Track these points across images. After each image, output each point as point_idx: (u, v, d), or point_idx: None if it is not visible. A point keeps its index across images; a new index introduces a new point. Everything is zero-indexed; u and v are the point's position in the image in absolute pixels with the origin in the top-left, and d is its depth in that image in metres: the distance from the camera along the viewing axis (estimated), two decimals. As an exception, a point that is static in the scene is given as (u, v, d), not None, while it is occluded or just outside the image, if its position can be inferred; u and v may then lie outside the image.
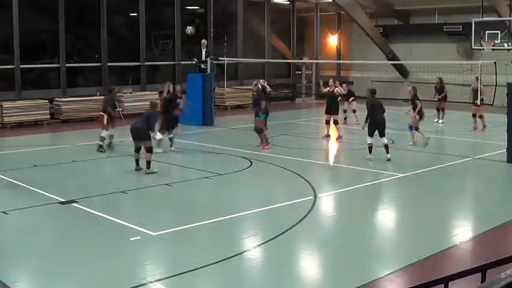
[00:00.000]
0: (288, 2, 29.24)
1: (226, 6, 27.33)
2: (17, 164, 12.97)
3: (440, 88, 20.08)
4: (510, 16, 21.43)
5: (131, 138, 12.25)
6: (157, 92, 21.69)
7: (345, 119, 19.83)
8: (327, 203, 10.25)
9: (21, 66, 20.53)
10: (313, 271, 7.18)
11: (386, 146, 13.31)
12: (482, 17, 21.64)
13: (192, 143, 16.04)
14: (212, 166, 12.74)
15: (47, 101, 20.52)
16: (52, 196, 9.96)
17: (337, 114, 16.99)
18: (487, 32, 21.86)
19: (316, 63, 29.74)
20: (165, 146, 14.25)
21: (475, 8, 22.20)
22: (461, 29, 25.50)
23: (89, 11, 23.06)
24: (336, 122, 16.76)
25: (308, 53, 31.23)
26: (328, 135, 16.75)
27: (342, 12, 29.30)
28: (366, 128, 13.48)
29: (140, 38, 23.61)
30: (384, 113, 13.47)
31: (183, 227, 8.39)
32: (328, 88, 16.77)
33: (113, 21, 23.39)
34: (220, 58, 21.31)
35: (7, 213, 8.97)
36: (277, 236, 7.90)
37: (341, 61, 30.21)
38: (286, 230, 8.16)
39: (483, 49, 20.91)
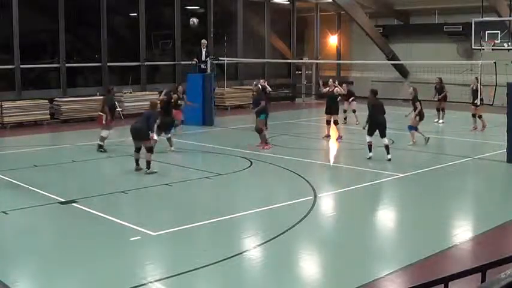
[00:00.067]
0: (288, 2, 29.24)
1: (226, 6, 27.33)
2: (17, 164, 12.97)
3: (440, 88, 20.08)
4: (510, 16, 21.44)
5: (131, 138, 12.26)
6: (157, 92, 21.68)
7: (345, 119, 19.83)
8: (327, 203, 10.25)
9: (21, 66, 20.53)
10: (313, 271, 7.18)
11: (386, 147, 13.32)
12: (482, 17, 21.64)
13: (192, 143, 16.04)
14: (212, 166, 12.74)
15: (47, 101, 20.52)
16: (52, 196, 9.96)
17: (337, 114, 16.99)
18: (487, 32, 21.86)
19: (316, 63, 29.74)
20: (165, 146, 14.24)
21: (475, 8, 22.20)
22: (461, 29, 25.50)
23: (89, 11, 23.06)
24: (336, 122, 16.76)
25: (308, 53, 31.23)
26: (328, 136, 16.75)
27: (342, 12, 29.31)
28: (367, 128, 13.50)
29: (140, 38, 23.61)
30: (384, 114, 13.47)
31: (183, 227, 8.39)
32: (328, 88, 16.77)
33: (113, 21, 23.38)
34: (220, 58, 21.31)
35: (7, 213, 8.97)
36: (277, 236, 7.90)
37: (341, 61, 30.21)
38: (286, 230, 8.16)
39: (483, 49, 20.92)
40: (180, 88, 16.68)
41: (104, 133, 14.29)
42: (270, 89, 18.44)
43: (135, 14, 23.74)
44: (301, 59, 30.04)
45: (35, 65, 21.78)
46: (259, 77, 23.45)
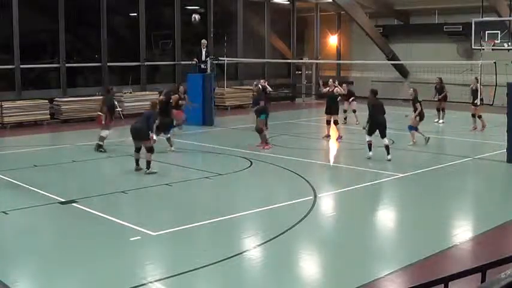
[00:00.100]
0: (288, 2, 29.23)
1: (226, 6, 27.33)
2: (17, 164, 12.97)
3: (440, 88, 20.08)
4: (510, 16, 21.44)
5: (131, 138, 12.26)
6: (157, 92, 21.70)
7: (345, 119, 19.83)
8: (327, 203, 10.25)
9: (21, 66, 20.53)
10: (313, 271, 7.18)
11: (387, 147, 13.32)
12: (482, 17, 21.64)
13: (192, 143, 16.04)
14: (212, 166, 12.74)
15: (47, 101, 20.52)
16: (52, 196, 9.96)
17: (337, 114, 16.99)
18: (487, 32, 21.87)
19: (316, 63, 29.74)
20: (165, 146, 14.25)
21: (475, 8, 22.20)
22: (461, 29, 25.50)
23: (89, 11, 23.06)
24: (336, 122, 16.76)
25: (308, 53, 31.23)
26: (328, 136, 16.75)
27: (342, 12, 29.31)
28: (367, 128, 13.52)
29: (140, 38, 23.61)
30: (384, 114, 13.48)
31: (183, 227, 8.39)
32: (328, 88, 16.77)
33: (113, 21, 23.38)
34: (220, 58, 21.31)
35: (7, 213, 8.97)
36: (277, 236, 7.90)
37: (341, 61, 30.21)
38: (286, 230, 8.16)
39: (483, 49, 20.92)
40: (181, 88, 16.69)
41: (104, 133, 14.29)
42: (271, 89, 18.45)
43: (135, 14, 23.74)
44: (301, 59, 30.04)
45: (35, 65, 21.78)
46: (259, 77, 23.45)
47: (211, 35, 24.33)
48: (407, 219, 9.36)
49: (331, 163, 14.29)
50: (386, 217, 9.61)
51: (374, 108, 13.43)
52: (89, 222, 8.77)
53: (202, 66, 20.40)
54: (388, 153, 13.26)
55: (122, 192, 10.44)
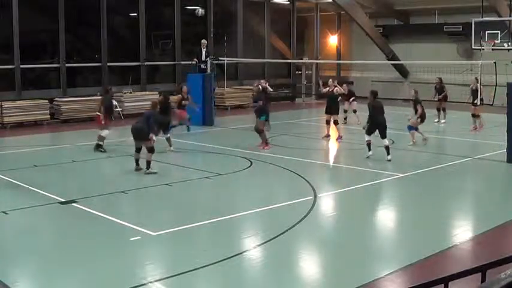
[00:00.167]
0: (288, 2, 29.23)
1: (226, 6, 27.34)
2: (17, 164, 12.97)
3: (440, 88, 20.08)
4: (510, 16, 21.43)
5: (132, 138, 12.25)
6: (157, 92, 21.71)
7: (345, 119, 19.82)
8: (327, 203, 10.25)
9: (21, 66, 20.54)
10: (313, 271, 7.18)
11: (387, 148, 13.33)
12: (482, 17, 21.64)
13: (192, 143, 16.04)
14: (212, 166, 12.74)
15: (47, 101, 20.52)
16: (52, 196, 9.96)
17: (337, 114, 16.98)
18: (487, 32, 21.87)
19: (316, 63, 29.74)
20: (165, 146, 14.25)
21: (475, 8, 22.20)
22: (461, 29, 25.50)
23: (89, 11, 23.07)
24: (336, 122, 16.75)
25: (308, 53, 31.23)
26: (328, 135, 16.75)
27: (342, 12, 29.31)
28: (366, 128, 13.54)
29: (140, 38, 23.61)
30: (383, 114, 13.49)
31: (183, 227, 8.39)
32: (327, 88, 16.77)
33: (113, 21, 23.39)
34: (220, 58, 21.31)
35: (7, 213, 8.97)
36: (277, 236, 7.90)
37: (341, 61, 30.21)
38: (286, 230, 8.16)
39: (483, 49, 20.93)
40: (184, 88, 16.88)
41: (103, 133, 14.29)
42: (271, 90, 18.46)
43: (135, 14, 23.74)
44: (301, 59, 30.04)
45: (35, 65, 21.79)
46: (259, 77, 23.46)
47: (211, 35, 24.33)
48: (407, 219, 9.36)
49: (331, 163, 14.29)
50: (386, 217, 9.61)
51: (374, 109, 13.47)
52: (89, 222, 8.77)
53: (202, 66, 20.40)
54: (388, 154, 13.26)
55: (122, 192, 10.44)
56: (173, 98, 17.93)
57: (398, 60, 27.16)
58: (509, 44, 21.62)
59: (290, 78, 29.91)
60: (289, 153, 14.31)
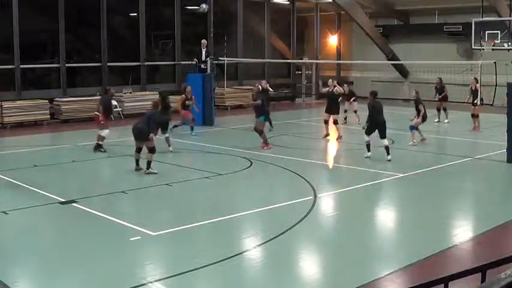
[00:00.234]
0: (288, 2, 29.23)
1: (226, 6, 27.34)
2: (17, 164, 12.97)
3: (440, 88, 20.08)
4: (510, 16, 21.43)
5: (133, 138, 12.24)
6: (157, 92, 21.70)
7: (345, 118, 19.82)
8: (327, 203, 10.25)
9: (21, 66, 20.54)
10: (313, 271, 7.18)
11: (387, 148, 13.33)
12: (482, 17, 21.64)
13: (192, 143, 16.04)
14: (212, 166, 12.73)
15: (47, 101, 20.52)
16: (52, 196, 9.96)
17: (338, 113, 16.94)
18: (487, 32, 21.86)
19: (316, 63, 29.73)
20: (165, 146, 14.24)
21: (475, 8, 22.20)
22: (461, 29, 25.49)
23: (89, 11, 23.08)
24: (335, 122, 16.74)
25: (308, 53, 31.23)
26: (327, 135, 16.74)
27: (342, 12, 29.30)
28: (366, 128, 13.57)
29: (140, 38, 23.62)
30: (382, 114, 13.51)
31: (183, 227, 8.39)
32: (327, 88, 16.77)
33: (113, 21, 23.39)
34: (220, 58, 21.32)
35: (7, 213, 8.97)
36: (277, 236, 7.90)
37: (341, 61, 30.20)
38: (286, 230, 8.16)
39: (483, 49, 20.93)
40: (188, 88, 16.96)
41: (103, 133, 14.29)
42: (271, 90, 18.47)
43: (135, 14, 23.74)
44: (301, 59, 30.04)
45: (35, 65, 21.80)
46: (259, 77, 23.48)
47: (211, 35, 24.32)
48: (407, 219, 9.36)
49: (331, 163, 14.29)
50: (386, 217, 9.61)
51: (373, 109, 13.49)
52: (89, 222, 8.77)
53: (202, 66, 20.41)
54: (388, 154, 13.27)
55: (122, 192, 10.43)
56: (176, 98, 18.02)
57: (398, 60, 27.15)
58: (509, 44, 21.62)
59: (290, 78, 29.91)
60: (289, 153, 14.31)
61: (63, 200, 9.72)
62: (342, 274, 6.87)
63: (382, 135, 13.40)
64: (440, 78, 20.21)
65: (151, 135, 11.85)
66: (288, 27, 29.63)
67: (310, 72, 30.74)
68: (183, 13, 25.02)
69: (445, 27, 26.40)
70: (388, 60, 26.96)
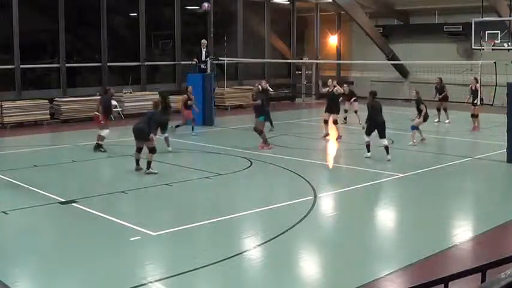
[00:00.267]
0: (288, 2, 29.23)
1: (226, 6, 27.33)
2: (17, 164, 12.97)
3: (440, 88, 20.07)
4: (510, 16, 21.44)
5: (133, 138, 12.24)
6: (157, 92, 21.70)
7: (345, 118, 19.81)
8: (327, 203, 10.25)
9: (21, 66, 20.54)
10: (313, 271, 7.18)
11: (386, 148, 13.34)
12: (482, 17, 21.65)
13: (192, 143, 16.04)
14: (212, 166, 12.73)
15: (47, 101, 20.52)
16: (52, 196, 9.96)
17: (338, 113, 16.94)
18: (487, 32, 21.87)
19: (316, 63, 29.73)
20: (165, 146, 14.24)
21: (475, 8, 22.20)
22: (461, 29, 25.50)
23: (89, 11, 23.08)
24: (335, 122, 16.73)
25: (308, 53, 31.23)
26: (327, 134, 16.73)
27: (342, 12, 29.30)
28: (365, 128, 13.57)
29: (140, 38, 23.62)
30: (381, 114, 13.52)
31: (183, 227, 8.39)
32: (327, 88, 16.77)
33: (113, 21, 23.39)
34: (220, 58, 21.32)
35: (7, 213, 8.97)
36: (277, 236, 7.90)
37: (341, 61, 30.20)
38: (286, 230, 8.16)
39: (483, 49, 20.93)
40: (189, 88, 17.01)
41: (103, 132, 14.29)
42: (271, 90, 18.47)
43: (135, 14, 23.74)
44: (301, 59, 30.03)
45: (35, 65, 21.80)
46: (259, 77, 23.47)
47: (211, 35, 24.33)
48: (407, 219, 9.36)
49: (331, 163, 14.29)
50: (386, 217, 9.61)
51: (373, 109, 13.50)
52: (89, 222, 8.77)
53: (202, 66, 20.41)
54: (388, 153, 13.27)
55: (122, 192, 10.43)
56: (177, 98, 18.04)
57: (398, 60, 27.16)
58: (509, 44, 21.62)
59: (290, 78, 29.91)
60: (289, 153, 14.30)
61: (63, 200, 9.72)
62: (342, 274, 6.87)
63: (382, 135, 13.40)
64: (440, 78, 20.21)
65: (151, 135, 11.85)
66: (288, 27, 29.62)
67: (310, 72, 30.74)
68: (183, 13, 25.02)
69: (445, 27, 26.41)
70: (388, 60, 26.97)
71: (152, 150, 11.84)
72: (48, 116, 20.41)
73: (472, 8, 22.97)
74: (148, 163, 11.77)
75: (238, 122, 20.64)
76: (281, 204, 9.78)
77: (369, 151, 13.48)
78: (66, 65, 21.66)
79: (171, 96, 16.38)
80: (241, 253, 7.41)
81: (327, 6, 29.45)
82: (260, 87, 16.33)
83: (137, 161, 12.06)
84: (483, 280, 3.39)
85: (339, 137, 16.50)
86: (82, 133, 17.75)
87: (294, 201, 9.80)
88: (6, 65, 20.40)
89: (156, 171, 11.84)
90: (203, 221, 8.64)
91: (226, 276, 6.76)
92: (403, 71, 27.89)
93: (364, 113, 14.65)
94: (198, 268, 6.74)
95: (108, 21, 22.63)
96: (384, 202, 10.58)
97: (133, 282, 6.35)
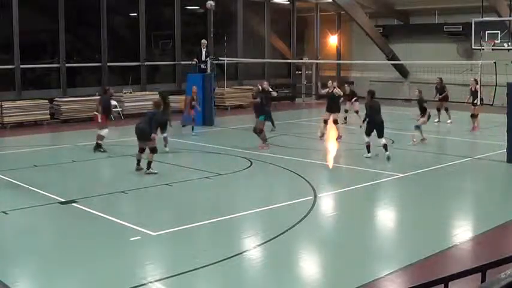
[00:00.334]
0: (288, 2, 29.23)
1: (226, 6, 27.33)
2: (17, 164, 12.97)
3: (441, 88, 20.08)
4: (510, 16, 21.44)
5: (135, 138, 12.23)
6: (157, 92, 21.70)
7: (345, 118, 19.80)
8: (327, 203, 10.25)
9: (21, 66, 20.55)
10: (313, 271, 7.18)
11: (385, 146, 13.34)
12: (482, 17, 21.65)
13: (192, 143, 16.04)
14: (212, 166, 12.73)
15: (47, 101, 20.53)
16: (52, 196, 9.96)
17: (338, 112, 16.93)
18: (487, 32, 21.87)
19: (316, 63, 29.74)
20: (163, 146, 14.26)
21: (475, 8, 22.20)
22: (461, 29, 25.50)
23: (89, 11, 23.08)
24: (335, 121, 16.72)
25: (308, 53, 31.23)
26: (323, 135, 16.69)
27: (342, 12, 29.30)
28: (365, 128, 13.57)
29: (140, 38, 23.62)
30: (380, 113, 13.53)
31: (183, 227, 8.39)
32: (327, 89, 16.76)
33: (113, 21, 23.40)
34: (220, 58, 21.32)
35: (7, 213, 8.97)
36: (277, 236, 7.90)
37: (341, 61, 30.20)
38: (286, 230, 8.16)
39: (483, 49, 20.93)
40: (194, 88, 17.11)
41: (103, 132, 14.28)
42: (271, 90, 18.45)
43: (135, 14, 23.75)
44: (301, 59, 30.04)
45: (35, 65, 21.80)
46: (259, 77, 23.47)
47: (211, 35, 24.31)
48: (407, 219, 9.36)
49: (331, 163, 14.28)
50: (386, 217, 9.61)
51: (371, 109, 13.52)
52: (89, 222, 8.77)
53: (202, 66, 20.41)
54: (387, 151, 13.26)
55: (122, 192, 10.43)
56: (180, 98, 18.08)
57: (398, 60, 27.15)
58: (509, 44, 21.62)
59: (290, 78, 29.91)
60: (289, 153, 14.30)
61: (63, 200, 9.72)
62: (342, 274, 6.87)
63: (380, 135, 13.40)
64: (440, 78, 20.21)
65: (153, 135, 11.86)
66: (288, 27, 29.62)
67: (310, 72, 30.74)
68: (183, 13, 25.03)
69: (445, 27, 26.41)
70: (388, 60, 26.97)
71: (153, 150, 11.84)
72: (48, 116, 20.41)
73: (472, 8, 22.97)
74: (149, 163, 11.77)
75: (238, 122, 20.64)
76: (281, 204, 9.78)
77: (369, 151, 13.48)
78: (66, 65, 21.66)
79: (171, 96, 16.37)
80: (241, 253, 7.41)
81: (327, 6, 29.44)
82: (260, 87, 16.34)
83: (138, 161, 12.06)
84: (483, 280, 3.39)
85: (339, 137, 16.49)
86: (82, 133, 17.74)
87: (294, 201, 9.80)
88: (6, 65, 20.40)
89: (156, 171, 11.84)
90: (203, 221, 8.64)
91: (226, 276, 6.76)
92: (403, 71, 27.89)
93: (364, 113, 14.64)
94: (198, 268, 6.74)
95: (108, 21, 22.64)
96: (384, 202, 10.58)
97: (133, 282, 6.35)
